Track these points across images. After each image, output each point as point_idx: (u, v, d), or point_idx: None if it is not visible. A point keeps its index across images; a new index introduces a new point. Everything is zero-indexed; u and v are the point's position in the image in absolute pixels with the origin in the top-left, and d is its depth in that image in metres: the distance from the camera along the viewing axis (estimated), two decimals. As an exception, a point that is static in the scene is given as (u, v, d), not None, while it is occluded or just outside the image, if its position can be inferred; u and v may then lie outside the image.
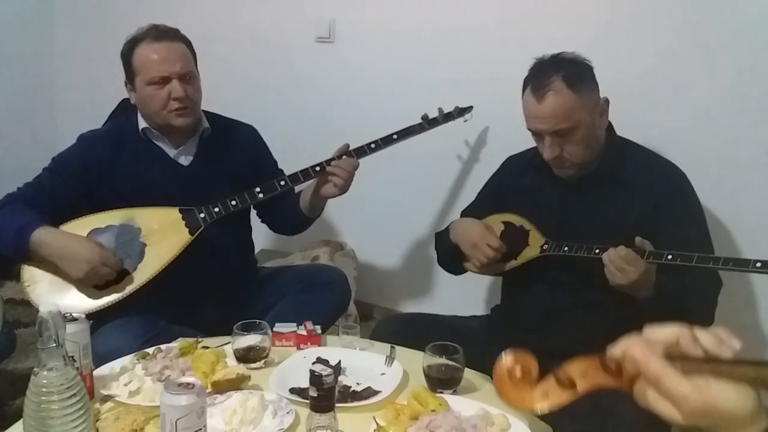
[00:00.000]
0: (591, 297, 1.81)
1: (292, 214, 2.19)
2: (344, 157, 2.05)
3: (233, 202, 1.98)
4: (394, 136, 2.13)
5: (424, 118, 2.20)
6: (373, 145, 2.10)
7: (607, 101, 1.83)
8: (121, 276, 1.88)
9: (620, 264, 1.60)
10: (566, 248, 1.82)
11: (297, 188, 2.13)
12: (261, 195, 2.01)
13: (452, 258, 2.07)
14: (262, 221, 2.29)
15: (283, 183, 2.03)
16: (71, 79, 3.81)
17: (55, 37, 3.79)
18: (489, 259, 1.91)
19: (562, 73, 1.73)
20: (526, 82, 1.82)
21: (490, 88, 2.51)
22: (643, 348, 0.71)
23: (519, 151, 2.10)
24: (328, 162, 2.05)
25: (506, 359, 0.80)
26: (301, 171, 2.05)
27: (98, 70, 3.58)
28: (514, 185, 2.05)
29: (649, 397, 0.72)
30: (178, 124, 1.97)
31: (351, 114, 2.92)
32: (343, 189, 2.05)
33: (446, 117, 2.26)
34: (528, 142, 1.95)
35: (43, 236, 1.81)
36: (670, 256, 1.60)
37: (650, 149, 1.94)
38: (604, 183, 1.85)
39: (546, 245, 1.87)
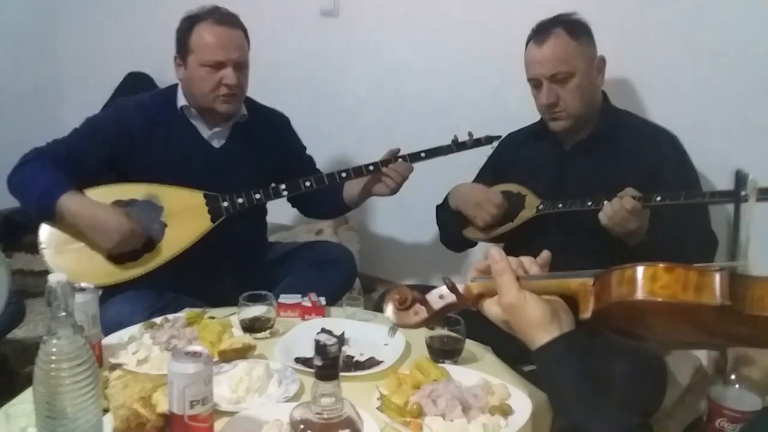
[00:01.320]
0: (586, 262, 1.83)
1: (331, 203, 2.23)
2: (400, 160, 2.07)
3: (257, 196, 2.00)
4: (422, 155, 2.13)
5: (454, 141, 2.20)
6: (400, 160, 2.09)
7: (603, 60, 1.91)
8: (148, 240, 1.90)
9: (625, 215, 1.63)
10: (560, 205, 1.88)
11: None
12: (285, 192, 2.04)
13: (454, 228, 2.10)
14: (293, 206, 2.30)
15: (308, 184, 2.04)
16: (77, 52, 3.79)
17: (62, 11, 3.77)
18: (492, 217, 1.96)
19: (562, 25, 1.84)
20: (528, 38, 1.89)
21: (493, 70, 2.50)
22: (500, 252, 1.05)
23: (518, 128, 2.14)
24: (384, 164, 2.06)
25: (390, 292, 1.11)
26: (327, 174, 2.06)
27: (105, 43, 3.58)
28: (511, 158, 2.10)
29: (486, 304, 1.07)
30: (223, 110, 1.98)
31: (356, 90, 2.91)
32: (394, 191, 2.09)
33: (475, 143, 2.26)
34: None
35: (71, 204, 1.81)
36: (659, 198, 1.65)
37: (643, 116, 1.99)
38: (599, 146, 1.91)
39: (541, 205, 1.92)
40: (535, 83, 1.89)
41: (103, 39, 3.58)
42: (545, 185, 1.95)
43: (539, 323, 0.99)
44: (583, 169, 1.91)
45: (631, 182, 1.78)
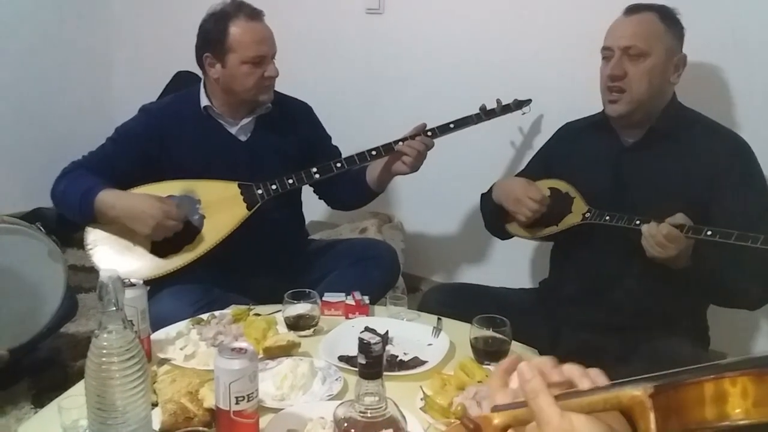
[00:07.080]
0: (638, 265, 1.79)
1: (354, 189, 2.22)
2: (420, 136, 2.05)
3: (290, 181, 2.02)
4: (451, 125, 2.11)
5: (482, 109, 2.18)
6: (429, 133, 2.08)
7: (684, 59, 1.82)
8: (188, 232, 1.94)
9: (660, 240, 1.58)
10: (607, 218, 1.80)
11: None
12: (317, 175, 2.05)
13: (495, 221, 2.07)
14: (320, 198, 2.32)
15: (339, 165, 2.05)
16: (127, 51, 3.89)
17: (112, 9, 3.86)
18: (533, 212, 1.90)
19: (656, 9, 1.79)
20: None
21: (545, 71, 2.47)
22: (531, 366, 0.74)
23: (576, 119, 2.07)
24: (401, 140, 2.05)
25: None
26: (357, 154, 2.06)
27: (154, 43, 3.65)
28: (567, 150, 2.02)
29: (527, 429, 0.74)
30: (265, 99, 2.04)
31: (400, 87, 2.90)
32: (413, 167, 2.06)
33: (504, 109, 2.23)
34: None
35: (108, 198, 1.88)
36: (709, 232, 1.57)
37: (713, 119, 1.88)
38: (661, 144, 1.81)
39: (588, 213, 1.85)
40: (607, 54, 1.80)
41: (153, 39, 3.66)
42: (600, 182, 1.87)
43: None
44: (642, 168, 1.82)
45: (692, 184, 1.71)
